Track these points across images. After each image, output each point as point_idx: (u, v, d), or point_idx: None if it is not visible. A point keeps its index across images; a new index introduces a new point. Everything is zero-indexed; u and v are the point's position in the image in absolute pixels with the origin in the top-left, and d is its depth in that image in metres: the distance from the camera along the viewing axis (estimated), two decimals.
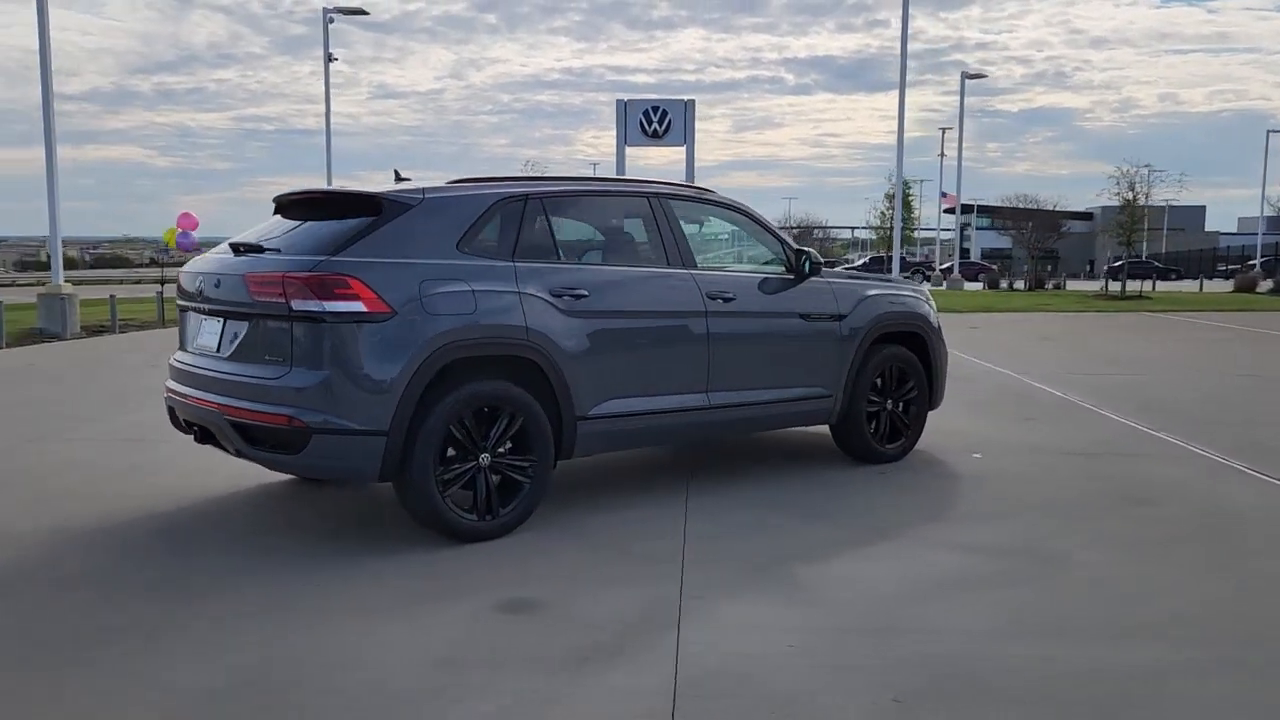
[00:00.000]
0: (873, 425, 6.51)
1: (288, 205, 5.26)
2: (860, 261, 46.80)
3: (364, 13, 28.48)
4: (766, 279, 6.05)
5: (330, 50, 30.39)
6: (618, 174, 40.33)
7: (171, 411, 5.20)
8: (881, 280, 7.04)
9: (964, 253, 54.13)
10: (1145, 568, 4.46)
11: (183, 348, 5.29)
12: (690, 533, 4.97)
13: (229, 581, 4.25)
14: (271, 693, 3.18)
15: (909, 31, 28.33)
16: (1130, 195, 33.57)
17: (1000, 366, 11.82)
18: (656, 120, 40.35)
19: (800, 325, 6.04)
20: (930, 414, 6.85)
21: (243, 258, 4.79)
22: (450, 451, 4.76)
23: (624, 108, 40.78)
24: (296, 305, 4.43)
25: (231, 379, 4.67)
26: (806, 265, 6.03)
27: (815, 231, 46.36)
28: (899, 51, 28.53)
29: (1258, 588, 4.23)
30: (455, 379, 4.72)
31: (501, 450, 4.88)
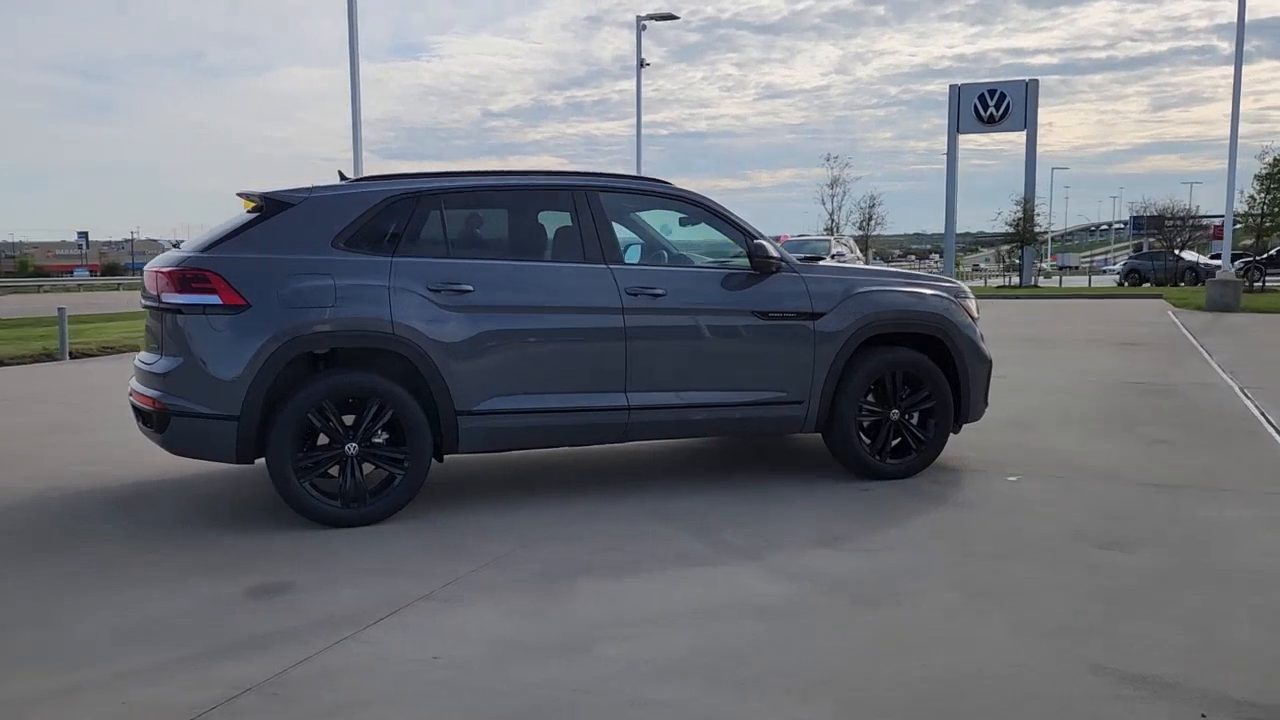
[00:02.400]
0: (874, 437, 5.84)
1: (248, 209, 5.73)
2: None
3: (673, 17, 29.38)
4: (714, 274, 5.63)
5: (644, 58, 31.77)
6: (948, 164, 38.37)
7: None
8: (894, 275, 6.25)
9: None
10: (973, 628, 3.66)
11: None
12: (523, 535, 4.80)
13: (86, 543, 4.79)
14: None
15: None
16: None
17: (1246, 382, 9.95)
18: (993, 104, 37.99)
19: (754, 323, 5.55)
20: (1028, 427, 6.00)
21: (159, 255, 5.33)
22: (323, 439, 4.98)
23: (957, 93, 38.78)
24: (165, 298, 4.87)
25: (138, 366, 5.21)
26: (761, 258, 5.52)
27: (1172, 220, 40.38)
28: None
29: None
30: (315, 369, 4.93)
31: (378, 441, 5.01)
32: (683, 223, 5.92)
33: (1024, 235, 36.45)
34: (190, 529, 4.98)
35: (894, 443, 5.89)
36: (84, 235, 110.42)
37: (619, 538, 4.75)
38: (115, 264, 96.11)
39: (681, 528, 4.90)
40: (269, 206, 5.06)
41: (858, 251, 30.07)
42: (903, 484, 5.72)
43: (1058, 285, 41.68)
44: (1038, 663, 3.27)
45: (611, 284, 5.31)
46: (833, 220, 38.94)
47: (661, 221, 5.97)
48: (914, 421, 5.96)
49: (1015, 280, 39.17)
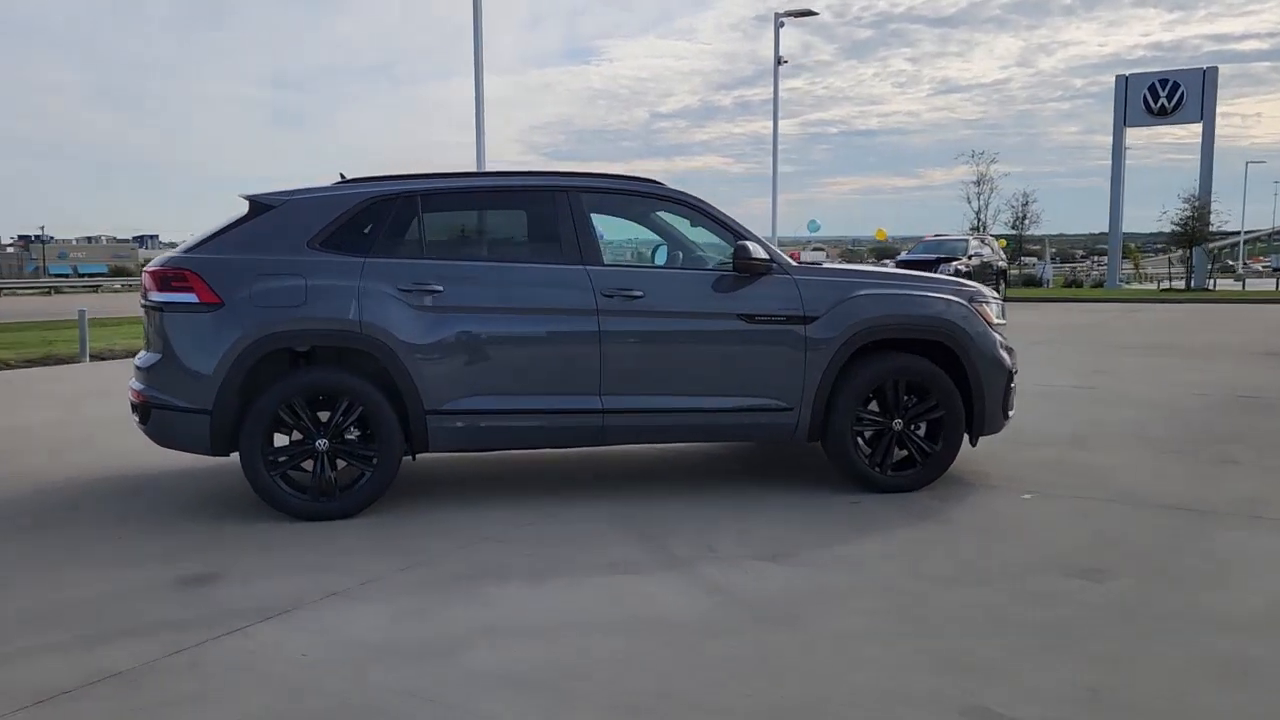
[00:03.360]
0: (875, 447, 5.55)
1: None
2: None
3: (811, 13, 28.81)
4: (699, 276, 5.48)
5: (781, 55, 31.32)
6: (1113, 160, 36.15)
7: None
8: (901, 277, 5.89)
9: None
10: (860, 658, 3.40)
11: None
12: (472, 535, 4.79)
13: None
14: None
15: None
16: None
17: None
18: (1165, 95, 35.53)
19: (739, 327, 5.36)
20: (1087, 444, 5.71)
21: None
22: (295, 434, 5.12)
23: (1124, 84, 36.45)
24: (150, 296, 5.11)
25: (134, 364, 5.47)
26: (743, 260, 5.31)
27: None
28: None
29: None
30: (296, 366, 5.08)
31: (350, 438, 5.12)
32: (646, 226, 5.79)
33: (1194, 235, 33.86)
34: (160, 518, 5.17)
35: (902, 454, 5.58)
36: None
37: (563, 542, 4.68)
38: None
39: (635, 535, 4.78)
40: (252, 208, 5.24)
41: (999, 252, 28.66)
42: (899, 498, 5.40)
43: (1240, 289, 38.59)
44: (903, 699, 3.02)
45: (587, 285, 5.23)
46: (979, 219, 37.22)
47: (682, 223, 5.83)
48: (921, 433, 5.63)
49: (1180, 284, 36.46)
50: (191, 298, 4.99)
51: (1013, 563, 4.33)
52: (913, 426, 5.58)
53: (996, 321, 5.77)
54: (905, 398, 5.57)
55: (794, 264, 5.56)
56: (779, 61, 31.99)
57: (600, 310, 5.22)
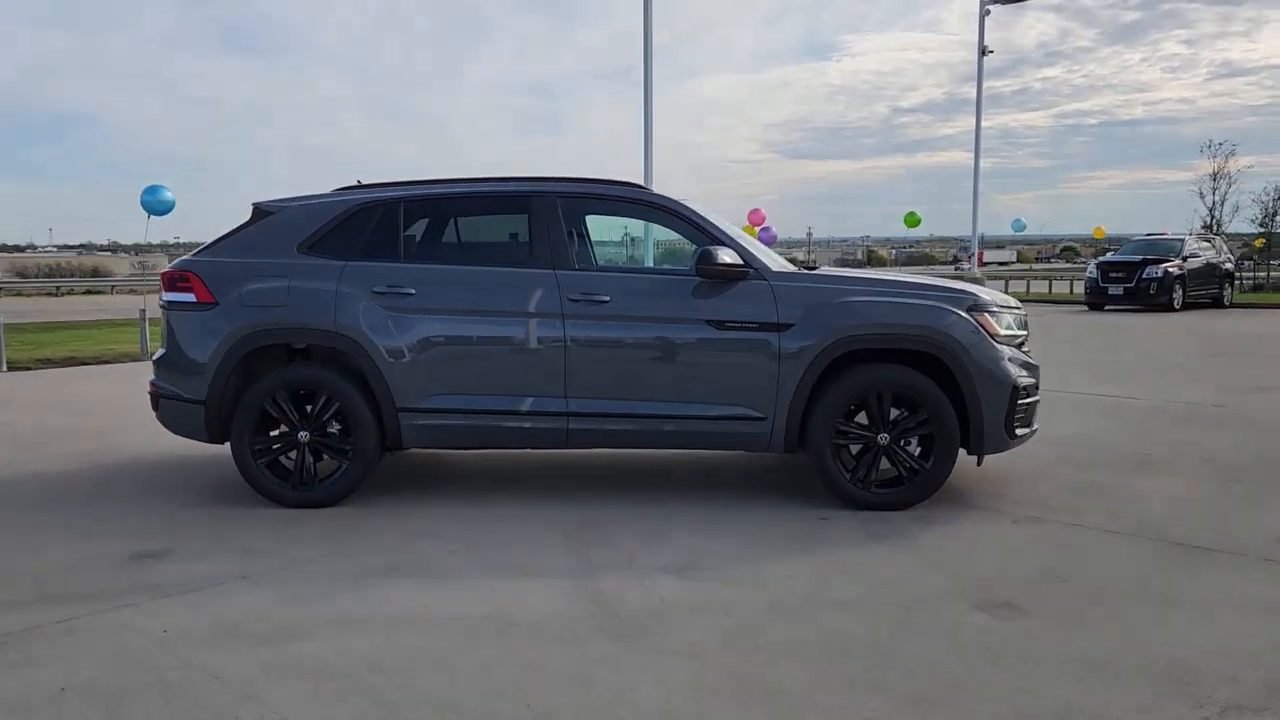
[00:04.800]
0: (858, 462, 5.30)
1: None
2: None
3: None
4: (671, 281, 5.39)
5: (985, 45, 29.88)
6: None
7: None
8: (892, 283, 5.53)
9: None
10: (668, 679, 3.29)
11: None
12: (424, 530, 4.96)
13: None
14: None
15: None
16: None
17: None
18: None
19: (708, 333, 5.25)
20: (1150, 467, 5.72)
21: None
22: (283, 427, 5.46)
23: None
24: (162, 296, 5.60)
25: None
26: (706, 265, 5.19)
27: None
28: None
29: None
30: (264, 363, 5.44)
31: (331, 431, 5.43)
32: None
33: None
34: (152, 497, 5.66)
35: (889, 470, 5.31)
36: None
37: (495, 543, 4.74)
38: None
39: (567, 540, 4.79)
40: (255, 214, 5.63)
41: (1227, 254, 25.97)
42: (872, 518, 5.12)
43: None
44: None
45: (554, 289, 5.29)
46: (1212, 216, 33.73)
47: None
48: (913, 448, 5.32)
49: None
50: (191, 297, 5.43)
51: (928, 593, 4.04)
52: (902, 442, 5.28)
53: (1003, 332, 5.35)
54: (894, 411, 5.28)
55: (774, 269, 5.38)
56: (983, 52, 30.58)
57: (565, 314, 5.26)
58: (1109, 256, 25.99)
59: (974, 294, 5.38)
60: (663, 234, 6.08)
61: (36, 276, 53.07)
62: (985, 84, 29.11)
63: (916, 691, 3.11)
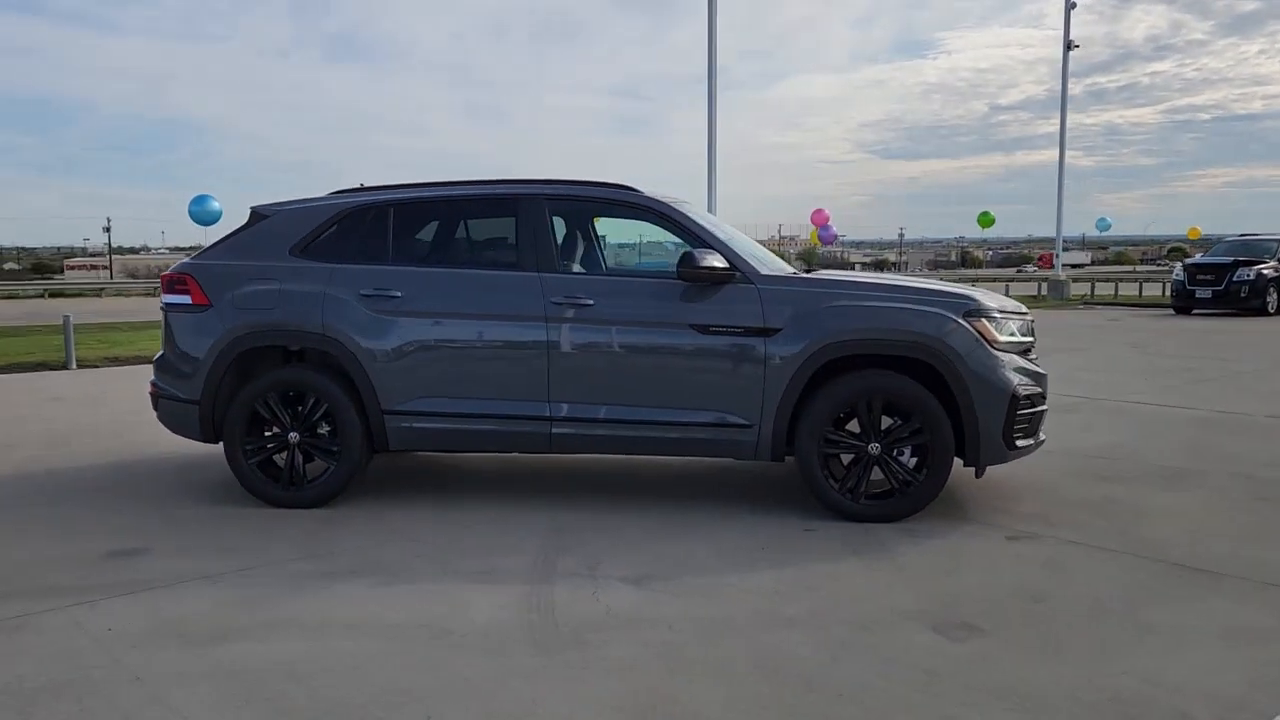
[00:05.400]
0: (849, 472, 5.13)
1: None
2: None
3: None
4: (656, 284, 5.27)
5: (1071, 39, 29.16)
6: None
7: None
8: (884, 287, 5.32)
9: None
10: (576, 687, 3.19)
11: None
12: (402, 533, 4.95)
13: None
14: None
15: None
16: None
17: None
18: None
19: (692, 338, 5.13)
20: (1181, 482, 5.54)
21: None
22: (275, 428, 5.52)
23: None
24: (163, 297, 5.70)
25: None
26: (687, 268, 5.06)
27: None
28: None
29: None
30: (262, 364, 5.48)
31: (321, 433, 5.46)
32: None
33: None
34: (155, 494, 5.75)
35: (881, 481, 5.12)
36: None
37: (465, 548, 4.69)
38: None
39: (542, 545, 4.71)
40: (252, 218, 5.70)
41: None
42: (858, 530, 4.94)
43: None
44: None
45: (537, 292, 5.23)
46: None
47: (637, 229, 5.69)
48: (907, 459, 5.13)
49: None
50: (187, 299, 5.52)
51: (888, 611, 3.85)
52: (895, 452, 5.08)
53: (1003, 339, 5.11)
54: (888, 420, 5.09)
55: (763, 273, 5.23)
56: (1068, 47, 29.84)
57: (548, 318, 5.20)
58: (1197, 258, 24.83)
59: (972, 299, 5.15)
60: (669, 236, 5.95)
61: (145, 277, 55.57)
62: (1088, 80, 28.79)
63: (834, 717, 2.95)
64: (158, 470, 6.46)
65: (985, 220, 34.97)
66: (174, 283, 5.58)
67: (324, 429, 5.43)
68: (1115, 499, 5.52)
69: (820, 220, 31.95)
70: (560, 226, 5.52)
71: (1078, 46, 29.83)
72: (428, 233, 5.72)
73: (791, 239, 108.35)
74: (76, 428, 8.03)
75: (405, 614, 3.85)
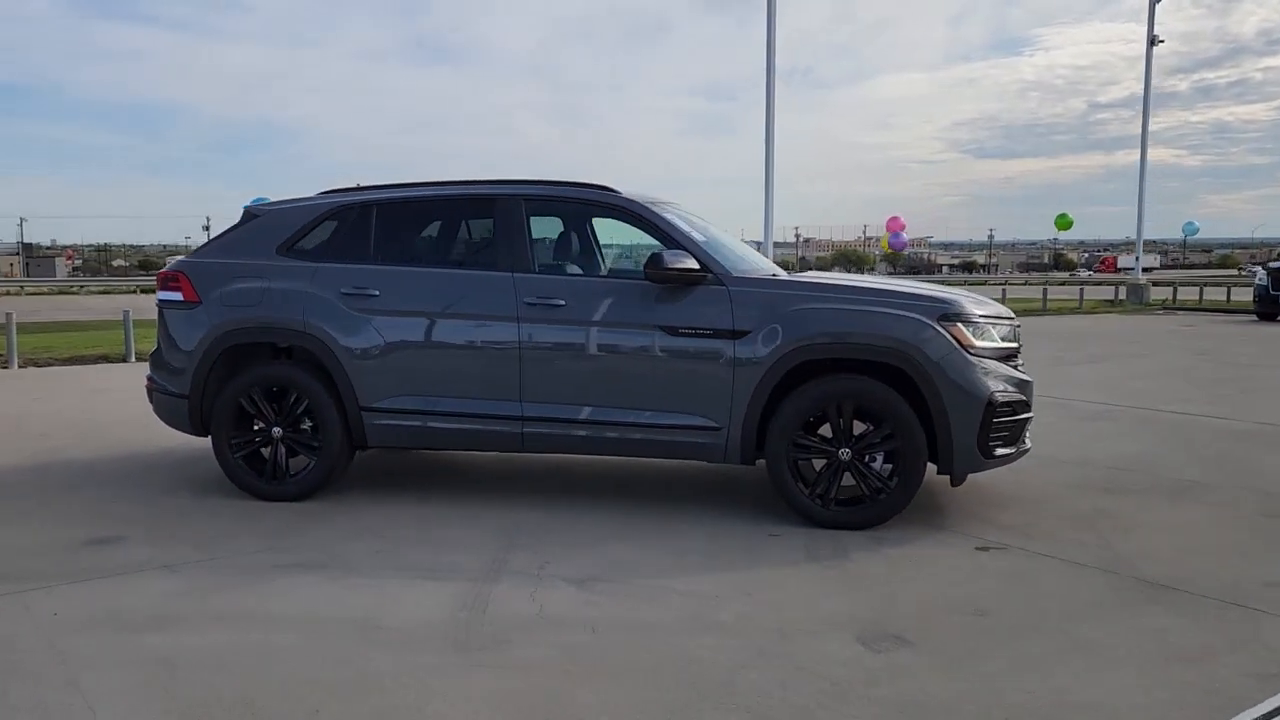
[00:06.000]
0: (819, 477, 5.04)
1: None
2: None
3: None
4: (626, 285, 5.24)
5: (1156, 34, 28.20)
6: None
7: None
8: (857, 289, 5.19)
9: None
10: (461, 686, 3.19)
11: None
12: (370, 529, 5.01)
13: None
14: None
15: None
16: None
17: None
18: None
19: (661, 339, 5.09)
20: (1160, 494, 5.46)
21: None
22: (260, 423, 5.64)
23: None
24: (158, 294, 5.88)
25: None
26: (654, 269, 5.03)
27: None
28: None
29: None
30: (252, 360, 5.62)
31: (304, 428, 5.57)
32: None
33: None
34: (150, 485, 5.91)
35: (851, 487, 5.02)
36: None
37: (429, 544, 4.72)
38: None
39: (500, 544, 4.72)
40: (244, 217, 5.85)
41: None
42: (823, 535, 4.84)
43: None
44: None
45: (510, 292, 5.25)
46: None
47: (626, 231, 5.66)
48: (880, 465, 5.02)
49: None
50: (179, 296, 5.68)
51: (820, 619, 3.77)
52: (868, 458, 4.98)
53: (979, 344, 4.96)
54: (859, 425, 4.99)
55: (735, 275, 5.17)
56: (1152, 41, 28.88)
57: (521, 318, 5.22)
58: (1275, 262, 23.71)
59: (950, 302, 5.01)
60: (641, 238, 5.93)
61: None
62: (1195, 75, 27.71)
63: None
64: (162, 463, 6.65)
65: (1063, 222, 34.02)
66: (167, 280, 5.75)
67: (306, 425, 5.53)
68: (1108, 511, 5.32)
69: (894, 227, 31.52)
70: (537, 227, 5.53)
71: (1162, 41, 28.85)
72: (408, 232, 5.78)
73: (874, 239, 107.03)
74: (106, 420, 8.31)
75: (340, 608, 3.90)
